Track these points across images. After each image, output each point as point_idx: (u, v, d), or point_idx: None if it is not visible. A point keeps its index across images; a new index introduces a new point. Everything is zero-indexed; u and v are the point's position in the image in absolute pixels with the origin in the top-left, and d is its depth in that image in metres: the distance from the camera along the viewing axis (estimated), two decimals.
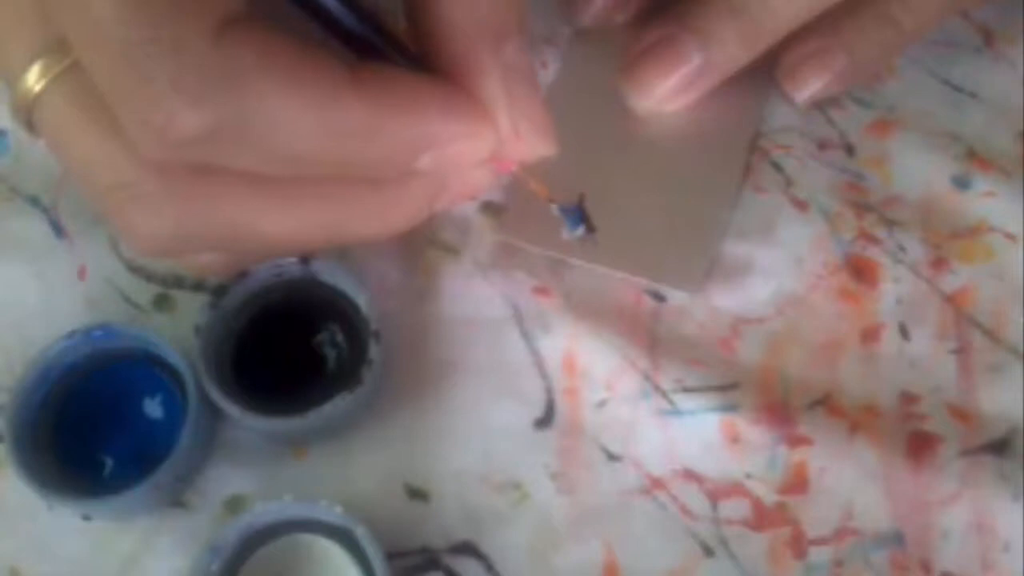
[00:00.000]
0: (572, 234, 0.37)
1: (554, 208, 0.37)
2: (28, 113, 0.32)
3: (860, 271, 0.39)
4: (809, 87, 0.41)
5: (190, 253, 0.35)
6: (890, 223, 0.40)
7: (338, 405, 0.35)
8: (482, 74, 0.32)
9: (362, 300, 0.37)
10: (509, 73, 0.32)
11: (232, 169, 0.30)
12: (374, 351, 0.36)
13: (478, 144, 0.32)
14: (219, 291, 0.37)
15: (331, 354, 0.38)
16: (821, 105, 0.42)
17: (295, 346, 0.38)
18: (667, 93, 0.40)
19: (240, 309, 0.38)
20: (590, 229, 0.37)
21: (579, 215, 0.37)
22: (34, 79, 0.31)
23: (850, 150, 0.42)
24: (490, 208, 0.40)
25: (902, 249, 0.39)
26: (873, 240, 0.40)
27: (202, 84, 0.27)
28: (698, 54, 0.39)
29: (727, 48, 0.39)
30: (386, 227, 0.34)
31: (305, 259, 0.37)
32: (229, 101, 0.28)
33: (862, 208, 0.40)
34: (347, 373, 0.37)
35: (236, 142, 0.29)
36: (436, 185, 0.34)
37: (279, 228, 0.33)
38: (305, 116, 0.29)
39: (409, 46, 0.33)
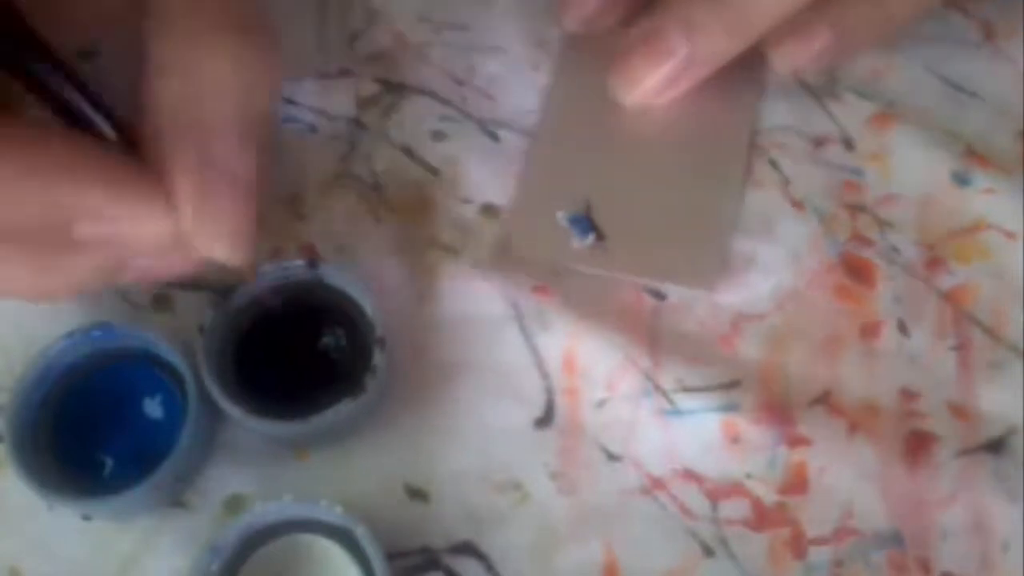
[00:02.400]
0: (582, 243, 0.37)
1: (562, 219, 0.37)
2: None
3: (856, 271, 0.39)
4: (793, 58, 0.41)
5: None
6: (883, 224, 0.40)
7: (341, 411, 0.35)
8: (175, 164, 0.32)
9: (368, 305, 0.37)
10: (208, 170, 0.32)
11: None
12: (378, 358, 0.36)
13: (145, 227, 0.32)
14: (225, 292, 0.37)
15: (336, 358, 0.38)
16: (820, 99, 0.42)
17: (299, 349, 0.38)
18: (655, 86, 0.40)
19: (245, 310, 0.38)
20: (599, 237, 0.37)
21: (587, 224, 0.37)
22: None
23: (849, 144, 0.42)
24: (490, 210, 0.40)
25: (895, 251, 0.39)
26: (867, 242, 0.40)
27: None
28: (684, 46, 0.39)
29: (713, 40, 0.39)
30: (40, 293, 0.34)
31: (312, 262, 0.37)
32: None
33: (856, 209, 0.40)
34: (351, 378, 0.36)
35: None
36: (109, 261, 0.33)
37: None
38: None
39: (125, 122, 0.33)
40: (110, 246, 0.32)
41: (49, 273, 0.33)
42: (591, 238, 0.37)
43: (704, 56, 0.40)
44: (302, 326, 0.38)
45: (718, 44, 0.39)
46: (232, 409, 0.35)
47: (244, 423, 0.35)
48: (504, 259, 0.40)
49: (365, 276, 0.38)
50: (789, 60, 0.41)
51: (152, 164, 0.32)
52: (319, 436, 0.37)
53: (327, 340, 0.38)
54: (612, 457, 0.37)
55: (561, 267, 0.39)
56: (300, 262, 0.37)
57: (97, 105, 0.32)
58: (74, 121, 0.32)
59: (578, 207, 0.37)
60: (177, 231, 0.32)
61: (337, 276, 0.37)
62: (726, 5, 0.39)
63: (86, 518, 0.37)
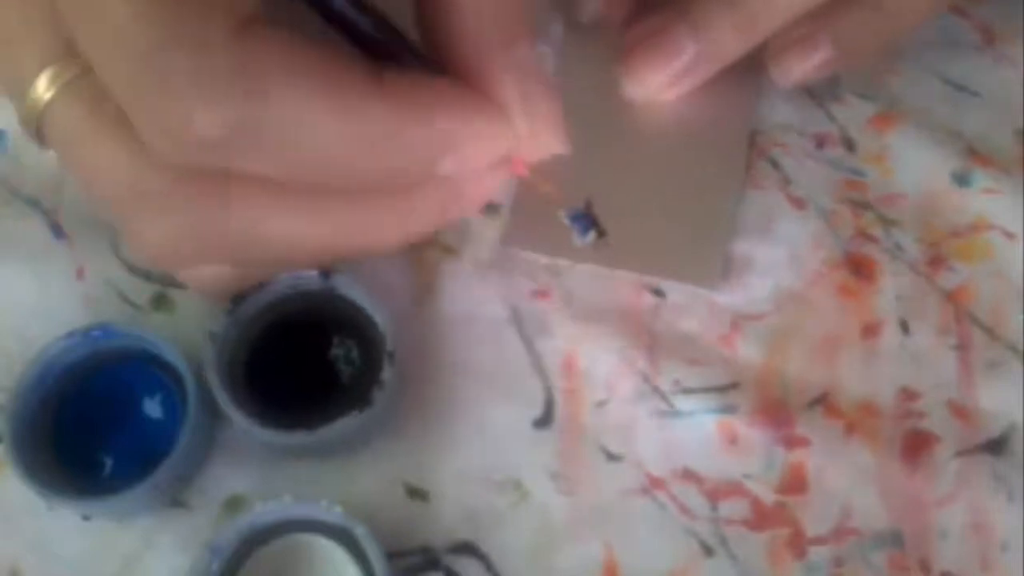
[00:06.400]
0: (583, 240, 0.37)
1: (563, 216, 0.37)
2: (38, 122, 0.32)
3: (859, 267, 0.39)
4: (793, 72, 0.40)
5: (199, 263, 0.35)
6: (887, 222, 0.40)
7: (347, 424, 0.35)
8: (496, 76, 0.32)
9: (379, 317, 0.36)
10: (521, 73, 0.32)
11: (249, 175, 0.30)
12: (388, 372, 0.35)
13: (496, 144, 0.32)
14: (236, 299, 0.36)
15: (345, 370, 0.37)
16: (821, 100, 0.42)
17: (309, 358, 0.38)
18: (662, 82, 0.40)
19: (256, 318, 0.37)
20: (600, 234, 0.37)
21: (588, 221, 0.37)
22: (44, 87, 0.31)
23: (850, 145, 0.42)
24: (490, 209, 0.40)
25: (899, 248, 0.39)
26: (870, 239, 0.40)
27: (221, 84, 0.27)
28: (692, 44, 0.39)
29: (722, 39, 0.39)
30: (402, 237, 0.34)
31: (326, 272, 0.36)
32: (248, 102, 0.27)
33: (859, 206, 0.40)
34: (359, 390, 0.36)
35: (254, 145, 0.28)
36: (452, 191, 0.33)
37: (293, 238, 0.32)
38: (327, 120, 0.28)
39: (422, 51, 0.33)
40: (457, 177, 0.32)
41: (409, 217, 0.33)
42: (592, 235, 0.37)
43: (712, 55, 0.40)
44: (313, 336, 0.38)
45: (726, 43, 0.39)
46: (238, 416, 0.35)
47: (250, 432, 0.35)
48: (504, 257, 0.40)
49: (361, 275, 0.37)
50: (790, 74, 0.41)
51: (464, 81, 0.32)
52: (324, 447, 0.36)
53: (337, 351, 0.38)
54: (612, 457, 0.37)
55: (562, 264, 0.39)
56: (313, 272, 0.37)
57: (394, 33, 0.32)
58: (377, 52, 0.32)
59: (578, 203, 0.37)
60: (513, 142, 0.32)
61: (350, 287, 0.37)
62: (735, 4, 0.39)
63: (86, 518, 0.37)
